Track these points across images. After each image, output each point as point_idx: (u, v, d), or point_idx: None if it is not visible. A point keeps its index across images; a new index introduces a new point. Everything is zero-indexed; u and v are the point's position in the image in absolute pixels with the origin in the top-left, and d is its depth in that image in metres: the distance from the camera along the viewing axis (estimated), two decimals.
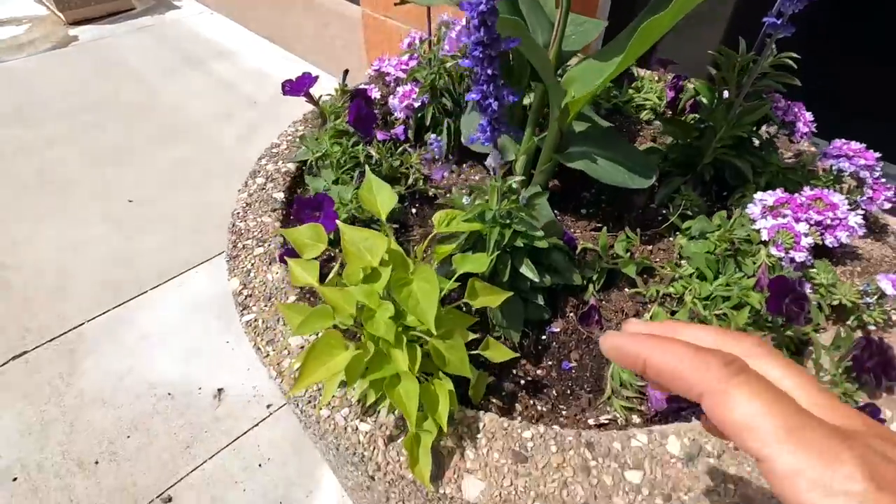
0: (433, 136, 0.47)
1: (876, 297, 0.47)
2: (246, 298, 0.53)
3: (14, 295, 1.55)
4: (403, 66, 0.74)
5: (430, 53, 0.72)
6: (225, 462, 1.22)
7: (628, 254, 0.55)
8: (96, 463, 1.19)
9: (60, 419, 1.27)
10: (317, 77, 0.65)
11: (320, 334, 0.37)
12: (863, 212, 0.54)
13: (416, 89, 0.71)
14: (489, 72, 0.36)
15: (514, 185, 0.48)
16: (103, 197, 1.90)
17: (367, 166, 0.51)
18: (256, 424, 1.29)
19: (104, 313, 1.51)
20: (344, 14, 2.35)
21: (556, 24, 0.50)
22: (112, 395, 1.32)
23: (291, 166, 0.70)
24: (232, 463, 1.22)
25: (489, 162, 0.43)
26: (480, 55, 0.35)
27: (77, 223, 1.79)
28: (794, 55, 0.56)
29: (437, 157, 0.59)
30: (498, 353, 0.43)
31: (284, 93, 0.65)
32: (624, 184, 0.55)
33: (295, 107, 2.71)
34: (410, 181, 0.65)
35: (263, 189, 0.66)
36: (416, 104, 0.71)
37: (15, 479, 1.15)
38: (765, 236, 0.50)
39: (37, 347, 1.43)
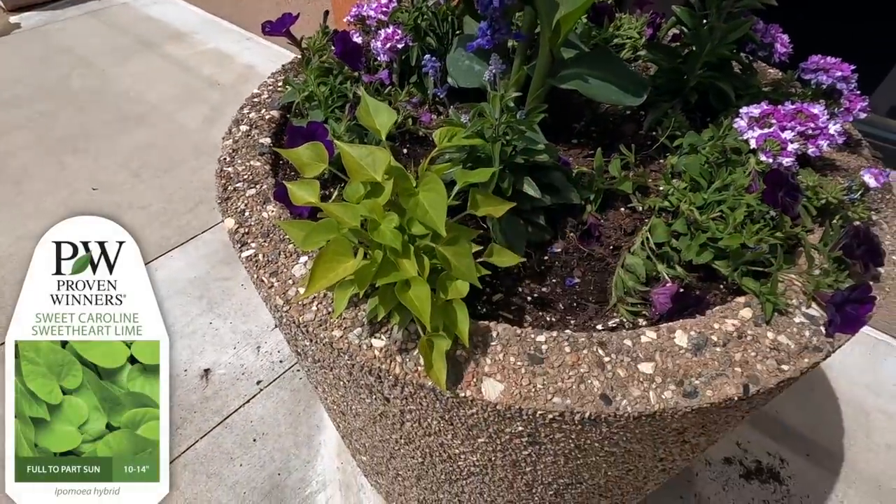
0: (427, 57, 0.46)
1: (859, 192, 0.50)
2: (244, 235, 0.51)
3: None
4: (384, 9, 0.73)
5: None
6: (218, 440, 1.20)
7: (623, 173, 0.56)
8: None
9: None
10: (297, 15, 0.63)
11: (330, 242, 0.37)
12: (840, 121, 0.57)
13: (399, 31, 0.70)
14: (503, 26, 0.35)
15: (511, 104, 0.48)
16: (64, 186, 1.82)
17: (362, 90, 0.50)
18: (248, 401, 1.27)
19: None
20: None
21: None
22: None
23: (276, 113, 0.68)
24: (225, 440, 1.20)
25: (490, 68, 0.43)
26: None
27: (37, 214, 1.70)
28: None
29: (433, 84, 0.58)
30: (504, 258, 0.43)
31: (265, 32, 0.63)
32: (618, 101, 0.55)
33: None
34: (399, 120, 0.65)
35: (249, 136, 0.64)
36: (400, 46, 0.70)
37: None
38: (753, 145, 0.52)
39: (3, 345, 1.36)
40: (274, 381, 1.31)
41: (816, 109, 0.56)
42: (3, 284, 1.48)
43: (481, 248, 0.44)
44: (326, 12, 0.72)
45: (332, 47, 0.60)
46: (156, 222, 1.69)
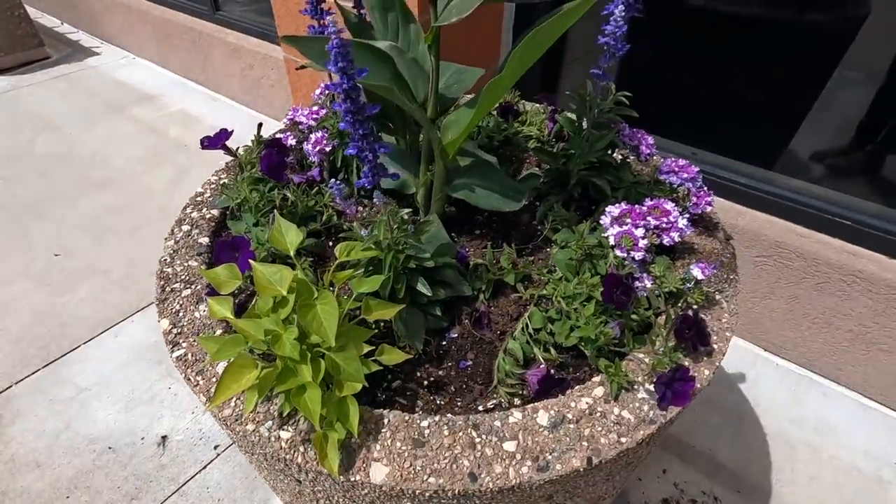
0: (333, 181, 0.55)
1: (692, 282, 0.60)
2: (176, 336, 0.58)
3: None
4: (315, 116, 0.83)
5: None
6: None
7: (511, 265, 0.66)
8: None
9: None
10: (232, 131, 0.73)
11: (235, 357, 0.44)
12: (688, 215, 0.68)
13: (327, 136, 0.80)
14: (361, 132, 0.45)
15: (405, 217, 0.58)
16: (25, 252, 1.85)
17: (276, 211, 0.59)
18: (204, 467, 1.30)
19: (33, 374, 1.47)
20: (268, 55, 2.42)
21: (430, 83, 0.61)
22: (47, 456, 1.28)
23: (216, 212, 0.76)
24: None
25: (375, 200, 0.52)
26: (351, 120, 0.44)
27: None
28: (628, 94, 0.69)
29: (344, 196, 0.67)
30: (392, 356, 0.51)
31: (203, 147, 0.72)
32: (499, 208, 0.66)
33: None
34: (325, 218, 0.74)
35: (189, 236, 0.72)
36: (328, 149, 0.79)
37: None
38: (612, 241, 0.62)
39: None
40: (231, 444, 1.34)
41: (669, 206, 0.67)
42: None
43: (373, 348, 0.52)
44: (260, 124, 0.82)
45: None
46: (118, 287, 1.73)
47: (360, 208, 0.82)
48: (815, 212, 1.31)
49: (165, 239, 0.72)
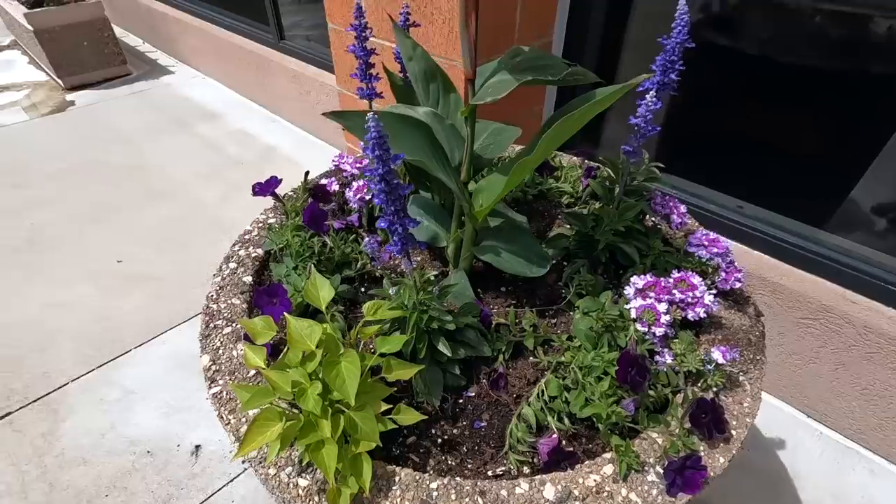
0: (367, 240, 0.59)
1: (713, 364, 0.60)
2: (214, 373, 0.63)
3: (3, 353, 1.62)
4: (358, 165, 0.88)
5: None
6: None
7: (532, 328, 0.67)
8: None
9: (40, 479, 1.32)
10: (281, 180, 0.79)
11: (263, 408, 0.48)
12: (715, 290, 0.67)
13: (369, 184, 0.85)
14: (393, 208, 0.49)
15: (432, 278, 0.61)
16: (89, 257, 2.00)
17: (312, 265, 0.63)
18: (232, 480, 1.36)
19: (87, 373, 1.58)
20: (325, 83, 2.55)
21: (465, 150, 0.65)
22: (92, 453, 1.38)
23: (261, 251, 0.82)
24: None
25: (404, 266, 0.56)
26: (385, 199, 0.48)
27: (63, 283, 1.88)
28: (660, 165, 0.70)
29: (375, 253, 0.71)
30: (408, 416, 0.54)
31: (254, 194, 0.78)
32: (522, 273, 0.68)
33: (280, 168, 2.87)
34: (360, 265, 0.78)
35: (235, 273, 0.78)
36: (367, 197, 0.84)
37: None
38: (633, 315, 0.63)
39: (21, 408, 1.49)
40: None
41: (696, 280, 0.67)
42: (26, 351, 1.63)
43: (391, 406, 0.55)
44: (307, 172, 0.88)
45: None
46: (169, 295, 1.85)
47: (391, 259, 0.86)
48: (868, 278, 1.25)
49: (214, 275, 0.78)
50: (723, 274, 0.71)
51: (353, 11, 0.67)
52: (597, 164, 0.93)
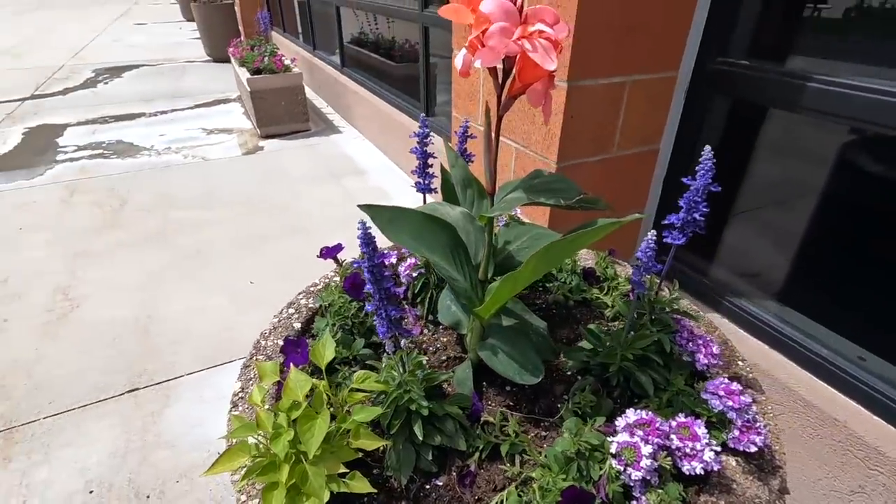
0: (377, 317, 0.67)
1: None
2: (238, 399, 0.76)
3: (149, 340, 2.02)
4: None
5: None
6: None
7: (514, 434, 0.67)
8: (147, 497, 1.46)
9: (138, 451, 1.59)
10: (343, 247, 0.93)
11: (240, 440, 0.58)
12: (718, 448, 0.61)
13: (417, 263, 0.95)
14: (378, 296, 0.57)
15: (422, 362, 0.66)
16: (232, 275, 2.42)
17: (327, 331, 0.74)
18: None
19: (201, 370, 1.88)
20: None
21: (484, 252, 0.71)
22: (179, 441, 1.62)
23: (315, 304, 0.96)
24: None
25: (386, 349, 0.63)
26: (373, 288, 0.57)
27: (208, 292, 2.29)
28: (681, 297, 0.68)
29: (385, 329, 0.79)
30: (359, 485, 0.59)
31: (319, 256, 0.93)
32: (512, 378, 0.69)
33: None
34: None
35: (290, 318, 0.92)
36: (415, 274, 0.94)
37: (91, 492, 1.46)
38: (613, 449, 0.60)
39: (147, 386, 1.83)
40: None
41: (700, 430, 0.62)
42: (166, 342, 2.00)
43: (347, 471, 0.60)
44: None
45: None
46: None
47: (425, 330, 0.93)
48: None
49: (274, 316, 0.93)
50: (736, 432, 0.64)
51: (420, 121, 0.80)
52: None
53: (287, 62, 4.30)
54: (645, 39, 1.34)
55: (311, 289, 1.01)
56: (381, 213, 0.67)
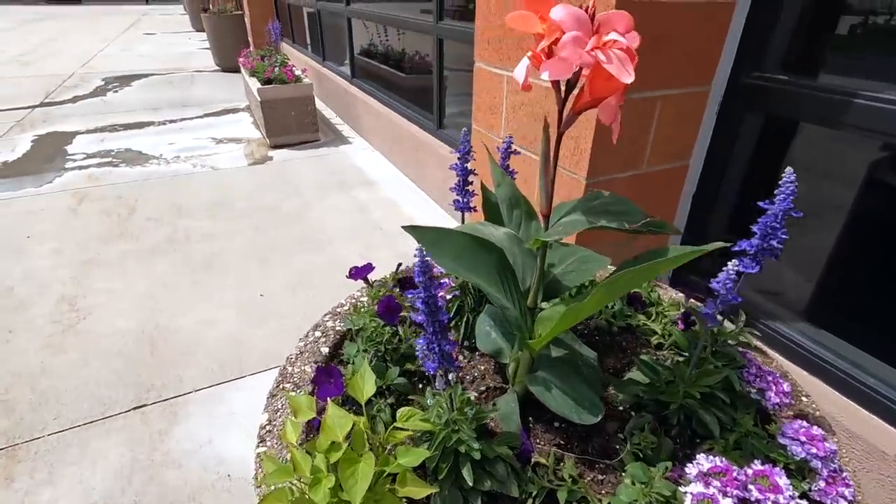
0: (419, 340, 0.62)
1: None
2: (265, 433, 0.70)
3: (157, 353, 1.97)
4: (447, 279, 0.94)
5: None
6: None
7: (571, 479, 0.62)
8: None
9: (145, 470, 1.52)
10: (374, 267, 0.87)
11: (276, 487, 0.52)
12: (802, 502, 0.55)
13: (452, 284, 0.89)
14: (432, 329, 0.52)
15: (470, 398, 0.61)
16: (242, 287, 2.36)
17: (365, 362, 0.68)
18: None
19: (210, 386, 1.82)
20: None
21: (534, 277, 0.66)
22: (187, 460, 1.56)
23: (343, 327, 0.91)
24: None
25: (436, 385, 0.57)
26: (426, 319, 0.51)
27: (217, 304, 2.24)
28: (755, 332, 0.62)
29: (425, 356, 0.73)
30: None
31: (349, 277, 0.88)
32: (569, 417, 0.63)
33: (412, 239, 3.09)
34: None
35: (316, 342, 0.87)
36: (450, 297, 0.89)
37: None
38: (688, 501, 0.54)
39: (155, 403, 1.77)
40: None
41: (783, 481, 0.56)
42: (176, 355, 1.94)
43: None
44: (399, 264, 0.96)
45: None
46: (288, 335, 2.07)
47: (460, 356, 0.87)
48: None
49: (299, 339, 0.88)
50: (821, 483, 0.58)
51: (461, 136, 0.75)
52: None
53: (297, 73, 4.29)
54: (678, 52, 1.30)
55: (338, 310, 0.96)
56: (426, 235, 0.62)
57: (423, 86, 3.55)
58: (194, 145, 4.22)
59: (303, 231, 2.87)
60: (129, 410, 1.73)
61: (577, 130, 1.34)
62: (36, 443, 1.61)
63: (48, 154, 3.93)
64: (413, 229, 0.62)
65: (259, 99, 4.04)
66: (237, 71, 6.65)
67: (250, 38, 7.22)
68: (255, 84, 4.21)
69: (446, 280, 0.91)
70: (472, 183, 0.84)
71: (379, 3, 4.08)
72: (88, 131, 4.50)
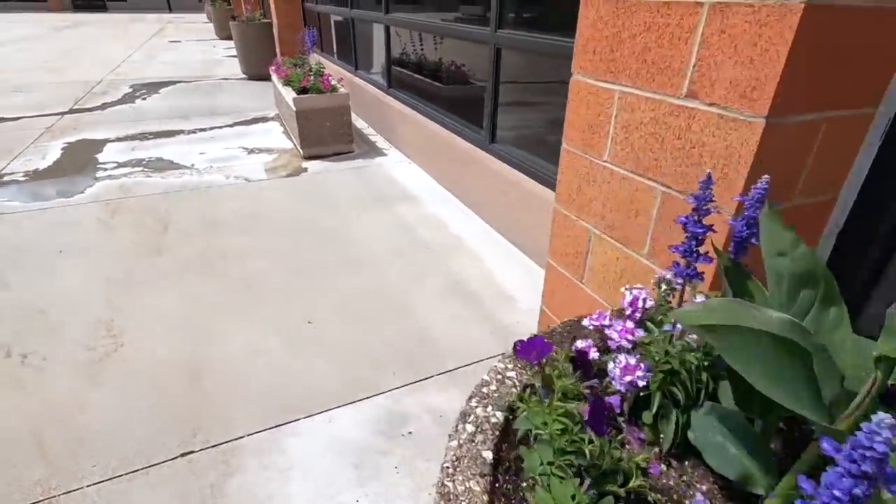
0: (699, 499, 0.42)
1: None
2: None
3: (200, 388, 1.77)
4: (629, 336, 0.73)
5: (660, 332, 0.70)
6: None
7: None
8: None
9: None
10: (552, 347, 0.67)
11: None
12: None
13: (643, 367, 0.69)
14: None
15: None
16: (286, 312, 2.16)
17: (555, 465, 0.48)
18: None
19: (262, 430, 1.62)
20: (525, 188, 2.57)
21: (863, 396, 0.45)
22: None
23: (500, 416, 0.70)
24: None
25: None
26: None
27: (261, 332, 2.04)
28: None
29: (671, 436, 0.53)
30: None
31: (516, 353, 0.67)
32: None
33: (462, 259, 2.87)
34: (631, 483, 0.60)
35: (473, 441, 0.66)
36: (641, 384, 0.68)
37: None
38: None
39: (203, 449, 1.56)
40: None
41: None
42: (221, 390, 1.75)
43: None
44: (574, 338, 0.76)
45: (586, 409, 0.59)
46: (337, 368, 1.87)
47: (664, 467, 0.66)
48: None
49: (450, 437, 0.67)
50: None
51: (701, 180, 0.54)
52: None
53: (334, 82, 4.13)
54: (852, 68, 1.09)
55: (484, 390, 0.75)
56: (721, 337, 0.42)
57: (462, 96, 3.37)
58: (226, 155, 4.07)
59: (345, 249, 2.68)
60: (176, 458, 1.53)
61: (725, 159, 1.13)
62: (74, 495, 1.42)
63: (79, 162, 3.80)
64: (701, 327, 0.42)
65: (294, 109, 3.88)
66: (264, 79, 6.55)
67: (277, 47, 7.13)
68: (289, 93, 4.05)
69: (634, 355, 0.70)
70: (703, 242, 0.64)
71: (418, 12, 3.93)
72: (119, 139, 4.38)
